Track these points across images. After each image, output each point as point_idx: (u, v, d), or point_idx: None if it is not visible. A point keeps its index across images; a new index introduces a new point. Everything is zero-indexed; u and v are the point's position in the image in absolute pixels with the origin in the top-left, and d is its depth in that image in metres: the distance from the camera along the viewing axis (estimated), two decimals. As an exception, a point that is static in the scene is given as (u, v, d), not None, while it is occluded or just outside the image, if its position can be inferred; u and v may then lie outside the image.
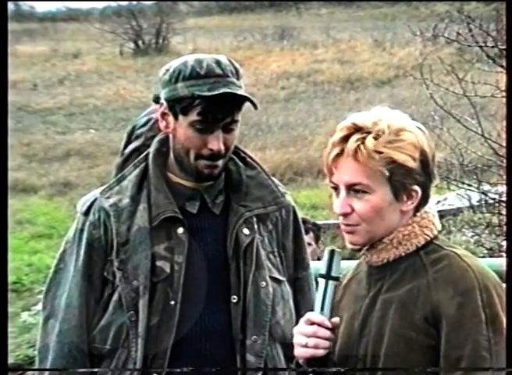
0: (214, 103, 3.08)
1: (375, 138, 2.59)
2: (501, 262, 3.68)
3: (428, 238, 2.67)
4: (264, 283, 3.16)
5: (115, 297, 3.16)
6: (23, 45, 27.16)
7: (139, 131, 4.73)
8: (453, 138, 8.11)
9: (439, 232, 2.67)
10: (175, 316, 3.11)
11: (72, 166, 16.42)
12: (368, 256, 2.68)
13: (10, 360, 9.10)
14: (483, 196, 7.72)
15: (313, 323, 2.66)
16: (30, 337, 8.83)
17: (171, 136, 3.19)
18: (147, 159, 3.28)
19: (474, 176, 7.54)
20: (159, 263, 3.13)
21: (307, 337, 2.66)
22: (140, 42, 26.10)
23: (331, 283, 2.72)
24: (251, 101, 3.12)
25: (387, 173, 2.60)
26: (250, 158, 3.37)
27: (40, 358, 3.25)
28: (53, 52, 26.50)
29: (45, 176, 15.60)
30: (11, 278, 10.84)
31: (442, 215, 10.00)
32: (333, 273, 2.70)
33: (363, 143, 2.59)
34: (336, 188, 2.65)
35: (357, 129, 2.61)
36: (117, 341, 3.13)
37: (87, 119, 19.92)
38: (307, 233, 6.11)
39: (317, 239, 6.21)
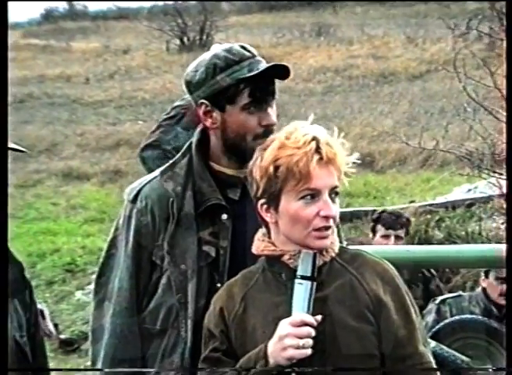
0: (257, 81, 3.08)
1: (336, 148, 2.70)
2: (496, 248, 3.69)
3: (339, 244, 2.82)
4: None
5: (164, 280, 3.15)
6: (77, 42, 27.28)
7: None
8: (484, 129, 8.06)
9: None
10: None
11: (122, 155, 16.42)
12: (295, 262, 2.73)
13: (65, 335, 9.18)
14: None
15: (306, 324, 2.64)
16: (84, 314, 8.86)
17: (216, 130, 3.16)
18: (191, 150, 3.27)
19: (505, 166, 7.48)
20: (205, 248, 3.13)
21: (302, 338, 2.64)
22: (185, 39, 26.06)
23: (307, 284, 2.71)
24: (286, 71, 3.12)
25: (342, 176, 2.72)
26: None
27: (95, 338, 3.25)
28: (104, 48, 26.55)
29: (97, 164, 15.63)
30: (66, 259, 10.89)
31: (472, 203, 10.06)
32: (307, 273, 2.71)
33: (336, 152, 2.70)
34: (311, 194, 2.69)
35: (321, 140, 2.69)
36: (167, 321, 3.12)
37: (135, 111, 19.95)
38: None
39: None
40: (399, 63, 21.95)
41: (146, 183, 3.25)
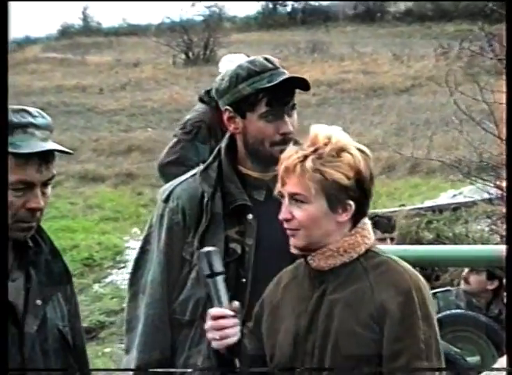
0: (276, 92, 3.07)
1: (317, 157, 2.60)
2: (501, 248, 3.59)
3: (367, 246, 2.69)
4: None
5: (193, 274, 3.15)
6: (92, 56, 27.28)
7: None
8: (470, 139, 8.07)
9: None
10: (246, 292, 3.09)
11: (134, 159, 16.44)
12: (316, 261, 2.68)
13: (84, 324, 9.13)
14: (498, 190, 7.68)
15: (217, 318, 2.63)
16: (101, 305, 8.83)
17: (239, 135, 3.17)
18: (220, 154, 3.27)
19: (492, 173, 7.50)
20: (232, 245, 3.12)
21: (217, 330, 2.63)
22: (190, 54, 26.12)
23: (218, 278, 2.67)
24: (305, 83, 3.11)
25: (320, 188, 2.60)
26: None
27: (130, 327, 3.26)
28: (116, 62, 26.56)
29: (111, 167, 15.63)
30: (84, 254, 10.87)
31: (457, 207, 10.08)
32: (216, 270, 2.69)
33: (304, 160, 2.61)
34: (282, 197, 2.69)
35: (306, 146, 2.64)
36: (195, 313, 3.10)
37: (145, 119, 19.95)
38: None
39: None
40: (386, 78, 22.01)
41: (177, 185, 3.25)
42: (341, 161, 2.62)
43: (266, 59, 3.16)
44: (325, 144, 2.64)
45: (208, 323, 2.68)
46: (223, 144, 3.24)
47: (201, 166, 3.29)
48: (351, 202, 2.66)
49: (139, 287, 3.20)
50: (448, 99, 18.78)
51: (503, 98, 7.97)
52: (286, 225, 2.72)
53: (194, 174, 3.26)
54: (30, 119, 2.62)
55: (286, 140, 3.07)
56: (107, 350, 7.79)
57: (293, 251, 2.77)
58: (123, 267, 10.01)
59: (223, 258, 3.10)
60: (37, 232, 2.73)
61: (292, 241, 2.72)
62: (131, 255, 10.73)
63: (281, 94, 3.12)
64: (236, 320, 2.69)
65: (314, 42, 26.47)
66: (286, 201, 2.70)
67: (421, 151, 9.90)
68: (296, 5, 33.43)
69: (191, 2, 29.27)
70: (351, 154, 2.63)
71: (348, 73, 22.89)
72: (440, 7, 31.20)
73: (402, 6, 33.21)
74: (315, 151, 2.64)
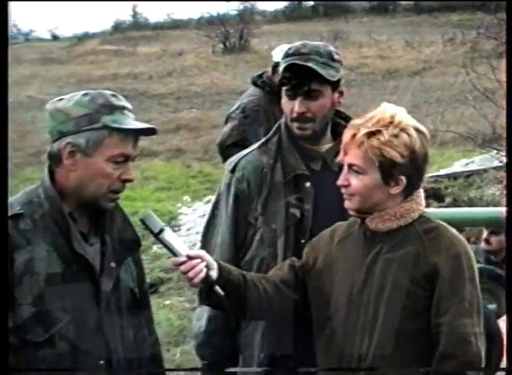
0: (289, 74, 3.01)
1: (379, 135, 2.57)
2: (501, 210, 3.64)
3: (421, 212, 2.66)
4: None
5: (258, 237, 3.12)
6: (141, 47, 27.26)
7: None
8: (482, 114, 7.94)
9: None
10: None
11: (182, 136, 16.45)
12: (374, 223, 2.65)
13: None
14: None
15: (179, 265, 2.59)
16: (160, 263, 8.83)
17: None
18: (280, 129, 3.23)
19: (503, 143, 7.40)
20: (292, 210, 3.07)
21: (185, 273, 2.59)
22: (227, 43, 25.93)
23: (162, 236, 2.59)
24: (316, 73, 3.01)
25: (377, 163, 2.58)
26: None
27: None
28: (163, 52, 26.54)
29: (162, 144, 15.60)
30: (142, 221, 10.86)
31: (470, 174, 10.01)
32: (155, 230, 2.59)
33: (366, 137, 2.57)
34: (342, 165, 2.68)
35: (371, 123, 2.59)
36: (260, 270, 3.05)
37: (190, 102, 19.92)
38: None
39: None
40: (400, 62, 21.84)
41: (242, 157, 3.21)
42: (399, 141, 2.59)
43: (303, 44, 3.10)
44: (389, 124, 2.61)
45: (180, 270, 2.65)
46: (282, 120, 3.20)
47: (262, 140, 3.25)
48: (403, 177, 2.62)
49: (209, 248, 3.16)
50: (455, 79, 18.69)
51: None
52: (342, 190, 2.70)
53: (257, 147, 3.22)
54: (124, 103, 2.62)
55: (300, 119, 3.05)
56: (167, 302, 7.79)
57: (350, 212, 2.75)
58: (177, 230, 9.96)
59: (284, 222, 3.07)
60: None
61: (347, 203, 2.71)
62: (183, 219, 10.72)
63: (292, 77, 3.05)
64: (193, 262, 2.61)
65: (335, 32, 26.21)
66: (345, 169, 2.68)
67: (433, 126, 9.77)
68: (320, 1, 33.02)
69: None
70: (409, 135, 2.59)
71: (366, 58, 22.72)
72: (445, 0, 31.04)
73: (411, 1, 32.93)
74: (378, 129, 2.60)
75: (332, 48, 3.18)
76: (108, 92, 2.63)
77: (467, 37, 22.24)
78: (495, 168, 8.43)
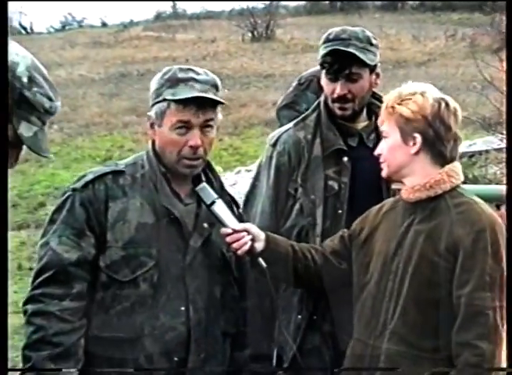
0: (330, 58, 2.87)
1: (397, 98, 2.44)
2: (502, 187, 3.49)
3: (453, 185, 2.45)
4: None
5: (297, 206, 2.94)
6: (179, 34, 27.12)
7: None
8: (486, 101, 7.71)
9: (463, 182, 2.49)
10: (342, 221, 2.89)
11: (220, 111, 16.27)
12: (406, 194, 2.49)
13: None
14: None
15: (226, 235, 2.51)
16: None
17: None
18: (320, 106, 3.08)
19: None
20: (330, 182, 2.91)
21: (230, 245, 2.52)
22: (255, 33, 25.61)
23: (213, 208, 2.51)
24: (357, 57, 2.85)
25: (394, 123, 2.45)
26: None
27: None
28: (198, 39, 26.36)
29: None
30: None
31: (473, 154, 9.85)
32: (208, 201, 2.51)
33: (388, 102, 2.46)
34: None
35: (397, 97, 2.46)
36: (299, 238, 2.89)
37: (223, 83, 19.47)
38: None
39: None
40: (408, 54, 21.53)
41: (284, 132, 3.08)
42: (411, 99, 2.43)
43: (343, 30, 2.94)
44: (409, 90, 2.47)
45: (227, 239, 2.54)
46: (322, 98, 3.07)
47: (300, 117, 3.12)
48: (417, 135, 2.44)
49: (250, 216, 2.99)
50: (457, 70, 18.34)
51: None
52: (380, 160, 2.55)
53: (297, 123, 3.07)
54: (192, 75, 2.55)
55: (342, 100, 2.91)
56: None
57: (386, 178, 2.61)
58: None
59: (323, 193, 2.90)
60: (209, 169, 2.65)
61: (382, 172, 2.55)
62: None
63: (332, 61, 2.89)
64: (238, 235, 2.52)
65: (350, 25, 25.55)
66: (382, 139, 2.55)
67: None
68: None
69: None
70: (423, 96, 2.44)
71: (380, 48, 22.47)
72: (448, 1, 30.78)
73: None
74: (403, 98, 2.46)
75: (369, 34, 3.01)
76: (178, 67, 2.60)
77: (467, 34, 22.27)
78: (496, 149, 8.26)
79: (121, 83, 18.83)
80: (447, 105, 2.46)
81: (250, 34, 25.73)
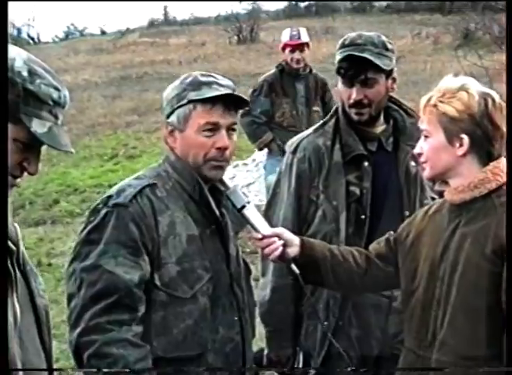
0: (346, 64, 2.64)
1: (439, 96, 2.08)
2: None
3: (499, 183, 2.09)
4: (427, 201, 2.62)
5: (320, 213, 2.63)
6: (172, 39, 26.85)
7: None
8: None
9: None
10: (365, 226, 2.58)
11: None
12: (450, 195, 2.15)
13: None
14: None
15: (258, 240, 2.28)
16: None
17: None
18: (338, 112, 2.77)
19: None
20: (352, 188, 2.63)
21: (262, 249, 2.28)
22: (240, 36, 25.28)
23: (244, 212, 2.25)
24: (372, 63, 2.62)
25: (438, 122, 2.10)
26: (410, 109, 2.84)
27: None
28: (189, 42, 26.05)
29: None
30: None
31: None
32: (238, 205, 2.25)
33: (429, 99, 2.09)
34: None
35: (438, 93, 2.11)
36: None
37: (213, 83, 19.35)
38: None
39: None
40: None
41: (303, 139, 2.78)
42: (455, 97, 2.08)
43: (359, 35, 2.69)
44: (451, 86, 2.11)
45: (258, 244, 2.28)
46: (340, 103, 2.76)
47: (319, 123, 2.82)
48: (465, 136, 2.08)
49: (272, 223, 2.68)
50: (425, 66, 18.09)
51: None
52: (420, 160, 2.20)
53: (316, 130, 2.77)
54: (214, 79, 2.28)
55: (358, 105, 2.66)
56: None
57: (427, 179, 2.29)
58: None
59: (345, 199, 2.59)
60: (222, 183, 2.38)
61: (423, 173, 2.20)
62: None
63: (347, 67, 2.65)
64: (269, 240, 2.23)
65: (325, 27, 25.68)
66: (422, 138, 2.18)
67: (414, 103, 9.24)
68: (312, 3, 32.71)
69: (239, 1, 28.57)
70: (468, 93, 2.08)
71: (352, 48, 22.17)
72: (410, 3, 30.32)
73: (384, 3, 32.54)
74: (443, 93, 2.12)
75: (384, 38, 2.70)
76: (198, 72, 2.35)
77: (430, 33, 22.10)
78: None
79: (122, 85, 18.46)
80: (493, 101, 2.13)
81: (236, 37, 25.39)
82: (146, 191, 2.20)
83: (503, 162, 2.13)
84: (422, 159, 2.19)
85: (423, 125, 2.18)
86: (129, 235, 2.10)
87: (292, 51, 6.33)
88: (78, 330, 2.04)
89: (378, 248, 2.36)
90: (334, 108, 2.83)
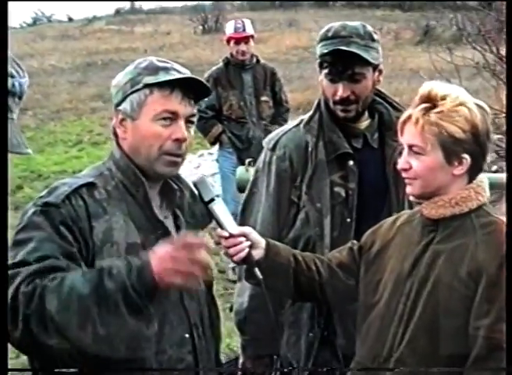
0: (332, 58, 2.31)
1: (437, 112, 1.78)
2: (502, 176, 2.83)
3: (480, 203, 1.92)
4: None
5: (302, 215, 2.31)
6: (137, 28, 26.43)
7: None
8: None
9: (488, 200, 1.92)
10: (351, 230, 2.28)
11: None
12: (428, 209, 1.94)
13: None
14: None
15: (224, 238, 1.95)
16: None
17: None
18: (320, 106, 2.46)
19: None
20: (336, 189, 2.31)
21: (227, 248, 1.95)
22: (205, 26, 24.91)
23: (212, 206, 1.93)
24: (360, 57, 2.30)
25: (438, 141, 1.85)
26: (396, 102, 2.54)
27: None
28: (155, 31, 25.62)
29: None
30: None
31: None
32: (206, 198, 1.94)
33: (424, 114, 1.78)
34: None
35: (427, 99, 1.82)
36: (306, 249, 2.29)
37: (179, 71, 19.03)
38: None
39: None
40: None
41: (283, 135, 2.45)
42: (458, 115, 1.82)
43: (343, 26, 2.38)
44: (444, 99, 1.83)
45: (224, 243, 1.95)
46: (321, 98, 2.46)
47: (303, 117, 2.51)
48: (467, 156, 1.86)
49: (248, 225, 2.39)
50: (386, 60, 18.08)
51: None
52: (404, 174, 1.91)
53: (297, 125, 2.46)
54: (171, 65, 1.99)
55: (344, 101, 2.35)
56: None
57: (411, 198, 1.96)
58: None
59: (329, 201, 2.31)
60: (178, 179, 2.04)
61: (408, 189, 1.92)
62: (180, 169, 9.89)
63: (336, 62, 2.34)
64: (236, 240, 1.91)
65: (289, 20, 25.49)
66: (405, 151, 1.89)
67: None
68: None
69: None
70: (468, 108, 1.83)
71: (314, 40, 21.86)
72: (371, -1, 30.98)
73: (346, -2, 32.52)
74: (435, 105, 1.83)
75: (370, 28, 2.41)
76: (154, 58, 2.04)
77: (391, 28, 21.97)
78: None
79: (87, 71, 17.95)
80: (486, 111, 1.90)
81: (201, 27, 24.98)
82: (82, 191, 1.86)
83: (484, 179, 1.95)
84: (410, 176, 1.93)
85: (411, 139, 1.90)
86: (62, 238, 1.77)
87: (237, 44, 6.04)
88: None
89: (340, 257, 2.11)
90: (316, 102, 2.51)
